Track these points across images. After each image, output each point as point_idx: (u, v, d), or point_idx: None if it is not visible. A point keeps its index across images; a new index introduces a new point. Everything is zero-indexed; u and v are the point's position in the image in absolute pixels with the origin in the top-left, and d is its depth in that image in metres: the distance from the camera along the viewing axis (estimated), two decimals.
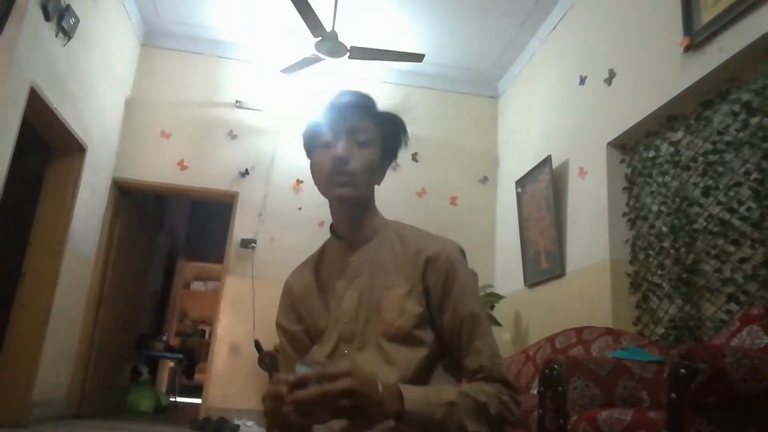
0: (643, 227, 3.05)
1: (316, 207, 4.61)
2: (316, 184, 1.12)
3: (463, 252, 1.13)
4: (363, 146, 1.08)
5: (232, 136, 5.00)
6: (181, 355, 6.76)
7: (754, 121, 2.37)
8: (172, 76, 5.07)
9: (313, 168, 1.12)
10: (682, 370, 1.37)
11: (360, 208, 1.13)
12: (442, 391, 0.97)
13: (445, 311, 1.06)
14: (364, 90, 1.14)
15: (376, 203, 1.18)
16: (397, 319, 1.05)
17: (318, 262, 1.21)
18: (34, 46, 3.24)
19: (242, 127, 5.02)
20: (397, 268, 1.10)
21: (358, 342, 1.07)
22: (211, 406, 4.46)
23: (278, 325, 1.20)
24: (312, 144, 1.13)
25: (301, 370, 0.85)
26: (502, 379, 1.03)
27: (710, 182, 2.59)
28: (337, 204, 1.13)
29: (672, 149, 2.87)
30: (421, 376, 1.02)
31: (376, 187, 1.15)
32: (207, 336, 8.25)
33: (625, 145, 3.31)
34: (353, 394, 0.82)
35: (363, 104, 1.11)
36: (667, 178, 2.89)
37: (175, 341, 8.23)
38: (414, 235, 1.14)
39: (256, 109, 5.04)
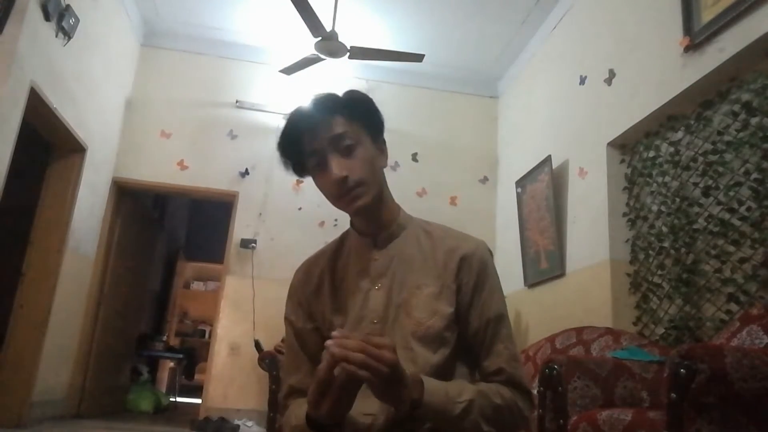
0: (643, 227, 3.05)
1: (316, 207, 4.61)
2: (329, 202, 1.08)
3: (491, 252, 1.13)
4: (352, 150, 1.03)
5: (232, 136, 5.00)
6: (181, 355, 6.75)
7: (754, 121, 2.37)
8: (172, 76, 5.07)
9: (319, 188, 1.09)
10: (682, 370, 1.37)
11: (377, 204, 1.08)
12: (463, 388, 0.97)
13: (472, 310, 1.06)
14: (323, 91, 1.09)
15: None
16: (429, 319, 1.03)
17: (335, 256, 1.16)
18: (34, 46, 3.24)
19: (242, 127, 5.02)
20: (426, 266, 1.08)
21: None
22: (211, 406, 4.46)
23: (287, 319, 1.16)
24: (305, 167, 1.09)
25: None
26: (520, 385, 1.04)
27: (710, 182, 2.59)
28: (357, 215, 1.11)
29: (672, 149, 2.87)
30: (443, 375, 1.01)
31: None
32: (207, 336, 8.25)
33: (625, 145, 3.31)
34: (391, 365, 0.83)
35: (328, 107, 1.05)
36: (667, 178, 2.89)
37: (175, 341, 8.22)
38: (443, 233, 1.13)
39: (256, 109, 5.05)
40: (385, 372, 0.82)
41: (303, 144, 1.05)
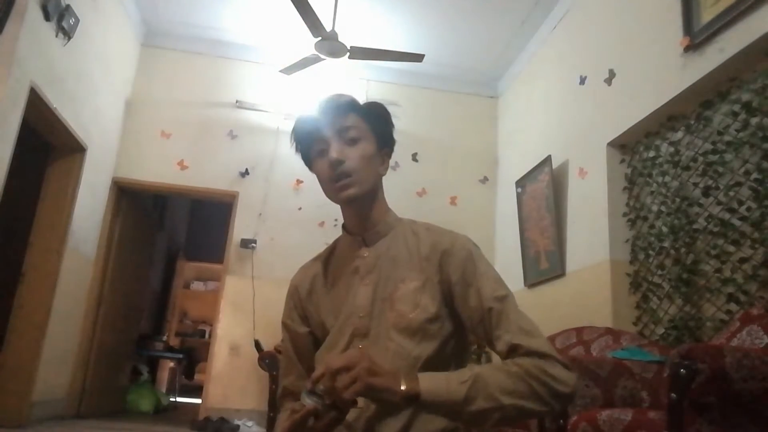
0: (643, 227, 3.05)
1: (316, 207, 4.61)
2: (324, 191, 1.13)
3: (475, 244, 1.12)
4: (355, 142, 1.08)
5: (232, 136, 5.00)
6: (181, 355, 6.75)
7: (754, 121, 2.37)
8: (172, 76, 5.07)
9: (317, 177, 1.13)
10: (682, 370, 1.37)
11: (368, 203, 1.12)
12: (464, 370, 0.93)
13: (470, 301, 1.02)
14: (347, 91, 1.16)
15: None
16: (411, 312, 1.04)
17: (327, 259, 1.20)
18: (34, 46, 3.24)
19: (242, 127, 5.02)
20: (411, 261, 1.10)
21: (372, 337, 1.06)
22: (211, 406, 4.46)
23: (284, 324, 1.21)
24: (309, 156, 1.14)
25: (306, 400, 0.87)
26: (539, 352, 0.93)
27: (710, 182, 2.59)
28: (345, 205, 1.13)
29: (672, 149, 2.87)
30: (431, 369, 0.99)
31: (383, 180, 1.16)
32: (207, 336, 8.25)
33: (625, 145, 3.31)
34: (360, 364, 0.84)
35: (344, 103, 1.11)
36: (667, 178, 2.89)
37: (175, 341, 8.23)
38: (427, 230, 1.14)
39: (256, 109, 5.05)
40: (353, 392, 0.84)
41: (314, 130, 1.11)
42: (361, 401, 0.97)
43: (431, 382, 0.88)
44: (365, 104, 1.13)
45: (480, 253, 1.09)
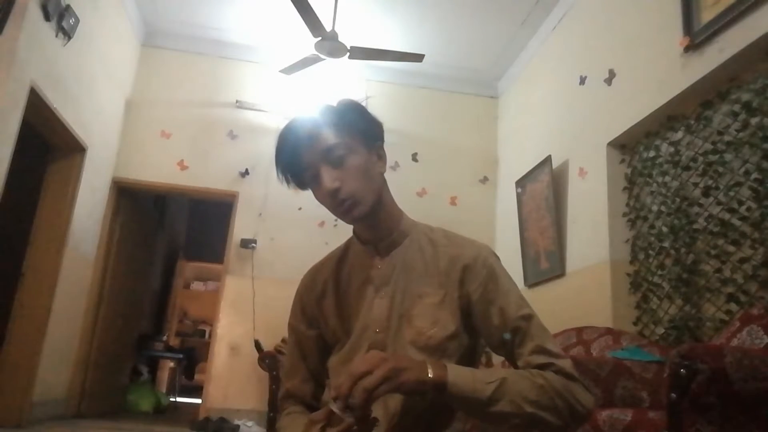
0: (643, 227, 3.05)
1: (316, 207, 4.55)
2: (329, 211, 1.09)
3: (496, 256, 1.09)
4: (344, 160, 1.03)
5: (232, 136, 5.00)
6: (181, 355, 6.76)
7: (754, 121, 2.37)
8: (172, 76, 5.07)
9: (318, 200, 1.08)
10: (682, 370, 1.37)
11: (376, 213, 1.08)
12: (493, 370, 0.93)
13: (492, 318, 1.01)
14: (346, 91, 1.09)
15: None
16: (430, 329, 1.01)
17: (339, 264, 1.16)
18: (34, 46, 3.24)
19: (242, 127, 5.02)
20: (429, 274, 1.06)
21: (390, 352, 1.02)
22: (211, 406, 4.46)
23: (290, 325, 1.18)
24: (304, 184, 1.08)
25: (338, 410, 0.85)
26: (568, 373, 0.95)
27: (710, 182, 2.59)
28: (355, 224, 1.11)
29: (672, 149, 2.87)
30: None
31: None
32: (207, 336, 8.25)
33: (625, 145, 3.31)
34: (380, 363, 0.83)
35: (320, 122, 1.04)
36: (667, 178, 2.89)
37: (175, 341, 8.23)
38: (446, 240, 1.10)
39: (256, 109, 5.05)
40: (379, 392, 0.82)
41: (298, 158, 1.05)
42: (379, 417, 0.94)
43: (458, 376, 0.88)
44: (338, 109, 1.06)
45: (501, 268, 1.06)
